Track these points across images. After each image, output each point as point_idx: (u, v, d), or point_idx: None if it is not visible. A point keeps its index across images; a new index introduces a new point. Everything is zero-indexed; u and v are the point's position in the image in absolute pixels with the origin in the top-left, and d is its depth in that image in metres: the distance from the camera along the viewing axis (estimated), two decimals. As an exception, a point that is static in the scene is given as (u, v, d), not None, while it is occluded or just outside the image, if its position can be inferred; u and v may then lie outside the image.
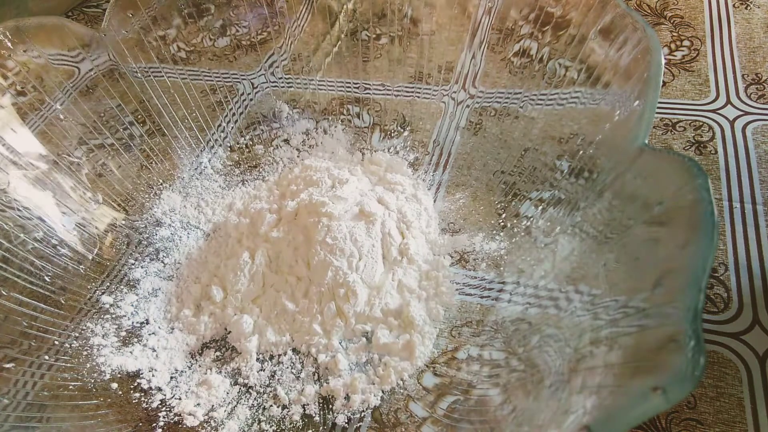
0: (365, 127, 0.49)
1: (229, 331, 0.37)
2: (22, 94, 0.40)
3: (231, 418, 0.33)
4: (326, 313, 0.36)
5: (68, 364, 0.35)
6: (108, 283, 0.40)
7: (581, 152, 0.34)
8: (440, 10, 0.45)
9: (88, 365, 0.35)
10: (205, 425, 0.33)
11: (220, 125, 0.50)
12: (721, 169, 0.41)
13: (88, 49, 0.42)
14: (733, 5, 0.51)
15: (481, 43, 0.44)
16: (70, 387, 0.34)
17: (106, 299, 0.39)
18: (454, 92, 0.47)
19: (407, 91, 0.49)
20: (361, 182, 0.42)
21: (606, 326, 0.24)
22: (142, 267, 0.41)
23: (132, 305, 0.39)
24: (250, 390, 0.35)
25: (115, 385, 0.35)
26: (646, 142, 0.25)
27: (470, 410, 0.31)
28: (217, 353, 0.37)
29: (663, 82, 0.46)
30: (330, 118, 0.49)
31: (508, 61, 0.43)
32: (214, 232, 0.43)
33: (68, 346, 0.36)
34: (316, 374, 0.35)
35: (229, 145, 0.49)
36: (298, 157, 0.47)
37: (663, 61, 0.27)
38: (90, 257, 0.41)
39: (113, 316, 0.38)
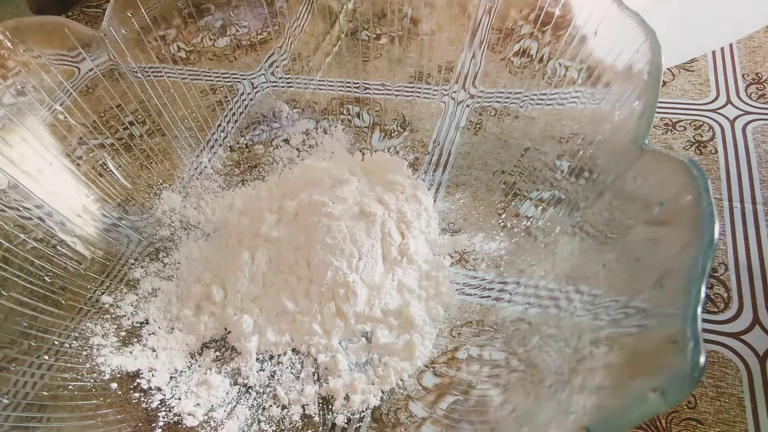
0: (365, 127, 0.49)
1: (229, 331, 0.37)
2: (22, 94, 0.40)
3: (230, 418, 0.33)
4: (326, 313, 0.36)
5: (68, 364, 0.35)
6: (108, 283, 0.40)
7: (581, 152, 0.34)
8: (440, 10, 0.45)
9: (88, 365, 0.35)
10: (204, 425, 0.33)
11: (220, 125, 0.50)
12: (721, 169, 0.41)
13: (88, 49, 0.42)
14: (734, 5, 0.51)
15: (481, 43, 0.44)
16: (70, 387, 0.34)
17: (106, 299, 0.39)
18: (454, 92, 0.47)
19: (407, 91, 0.49)
20: (360, 182, 0.42)
21: (606, 326, 0.24)
22: (142, 267, 0.41)
23: (132, 305, 0.39)
24: (249, 390, 0.35)
25: (114, 385, 0.35)
26: (646, 142, 0.25)
27: (470, 410, 0.31)
28: (217, 353, 0.37)
29: (663, 81, 0.46)
30: (330, 118, 0.49)
31: (508, 61, 0.43)
32: (214, 232, 0.43)
33: (68, 346, 0.36)
34: (316, 374, 0.35)
35: (229, 145, 0.49)
36: (298, 157, 0.47)
37: (663, 61, 0.27)
38: (90, 257, 0.41)
39: (113, 316, 0.38)
